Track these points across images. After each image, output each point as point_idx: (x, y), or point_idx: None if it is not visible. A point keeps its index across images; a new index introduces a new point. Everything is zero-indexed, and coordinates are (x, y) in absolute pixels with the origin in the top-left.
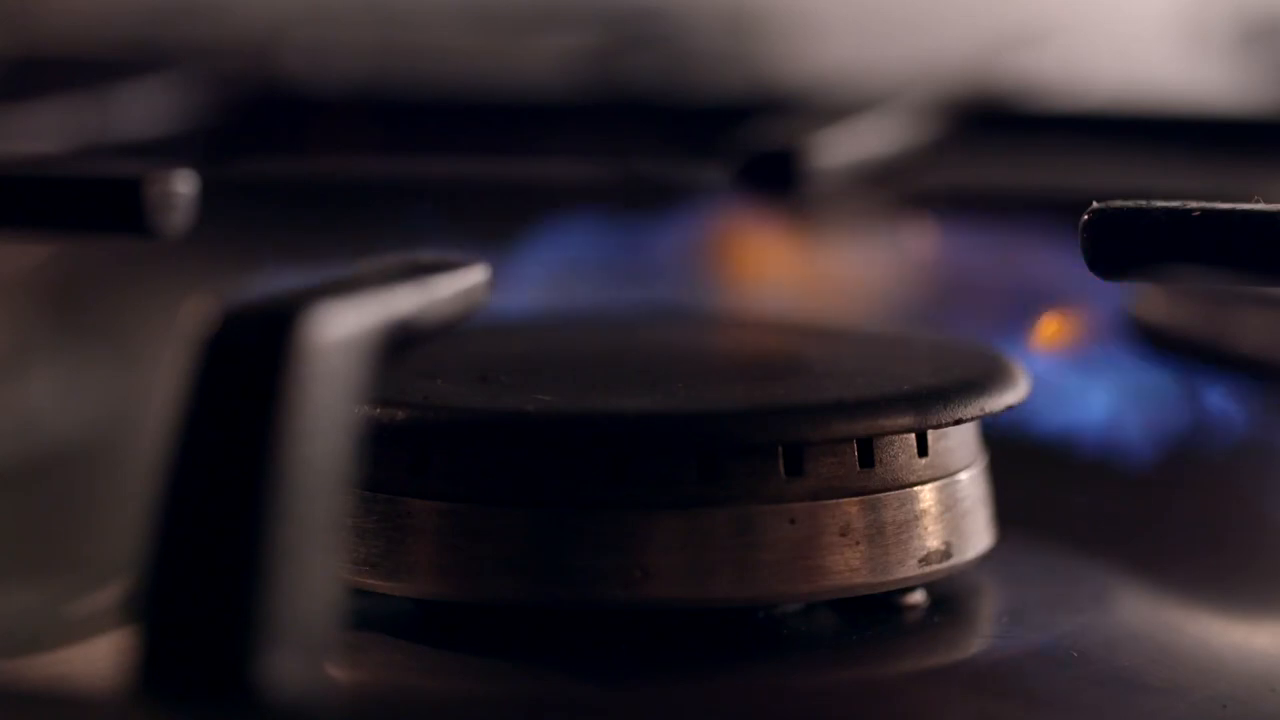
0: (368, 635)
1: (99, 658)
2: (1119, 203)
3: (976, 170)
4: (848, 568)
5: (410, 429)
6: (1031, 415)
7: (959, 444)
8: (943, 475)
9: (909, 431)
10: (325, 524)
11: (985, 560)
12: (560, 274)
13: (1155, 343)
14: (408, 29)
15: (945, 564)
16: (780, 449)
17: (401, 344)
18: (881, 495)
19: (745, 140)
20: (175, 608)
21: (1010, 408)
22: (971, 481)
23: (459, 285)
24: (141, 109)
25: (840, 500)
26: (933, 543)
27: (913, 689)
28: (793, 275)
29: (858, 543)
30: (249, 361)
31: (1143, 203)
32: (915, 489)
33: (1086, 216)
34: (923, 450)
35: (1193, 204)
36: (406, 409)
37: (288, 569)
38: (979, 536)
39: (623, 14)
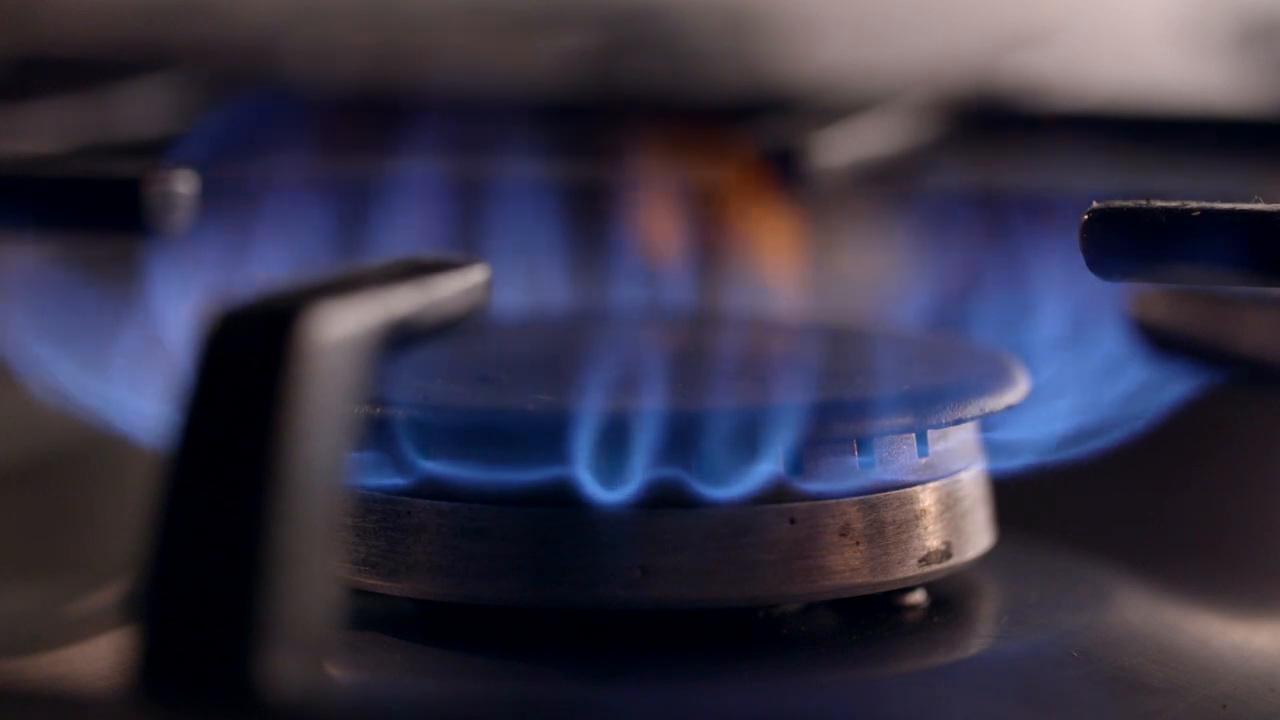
0: (368, 635)
1: (99, 658)
2: (1119, 203)
3: (976, 170)
4: (848, 568)
5: (410, 429)
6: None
7: (959, 444)
8: (943, 475)
9: (909, 431)
10: (325, 524)
11: (985, 560)
12: (557, 273)
13: (1155, 343)
14: (408, 29)
15: (945, 564)
16: (780, 448)
17: (401, 344)
18: (881, 495)
19: (745, 140)
20: (175, 608)
21: (1010, 408)
22: (971, 481)
23: (459, 285)
24: (141, 109)
25: (840, 500)
26: (933, 543)
27: (913, 689)
28: (793, 274)
29: (858, 543)
30: (249, 361)
31: (1143, 203)
32: (915, 489)
33: (1086, 216)
34: (923, 450)
35: (1193, 204)
36: (406, 409)
37: (288, 569)
38: (979, 536)
39: (623, 14)
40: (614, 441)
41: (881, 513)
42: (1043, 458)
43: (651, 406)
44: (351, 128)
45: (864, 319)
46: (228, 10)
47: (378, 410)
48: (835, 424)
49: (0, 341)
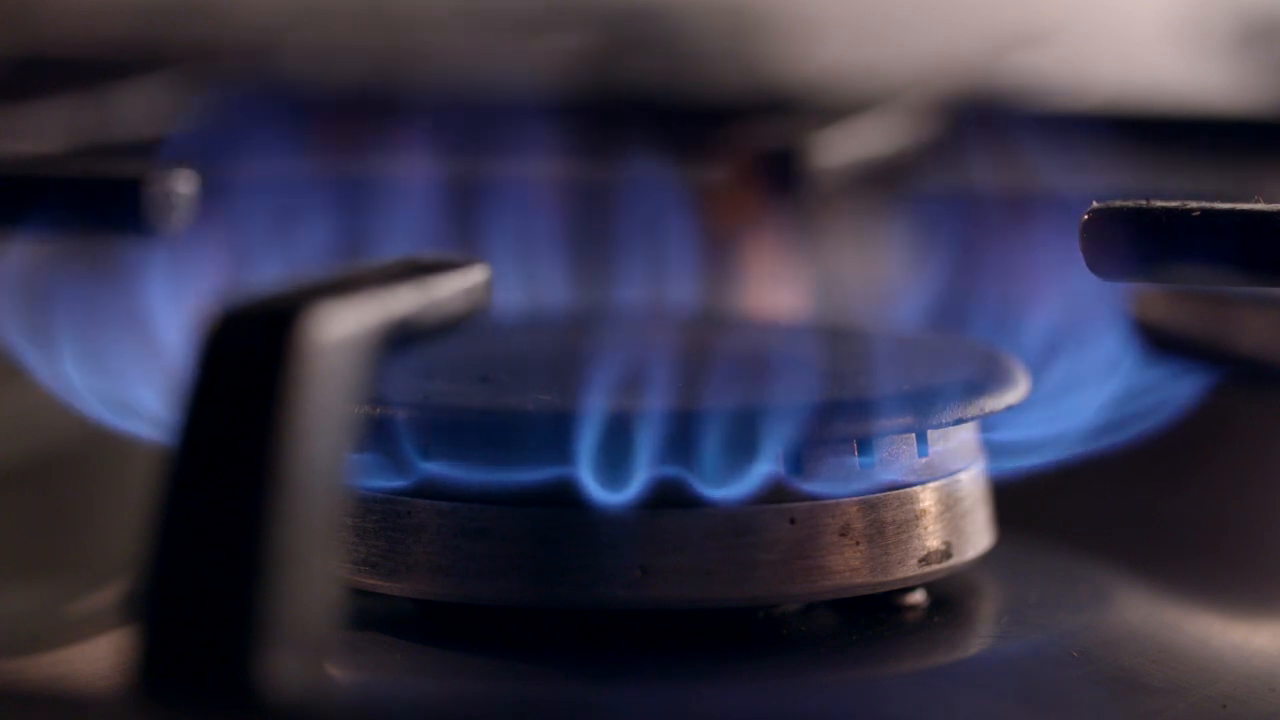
0: (368, 635)
1: (99, 658)
2: (1119, 203)
3: (976, 170)
4: (848, 568)
5: (410, 429)
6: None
7: (959, 444)
8: (943, 475)
9: (909, 431)
10: (325, 524)
11: (985, 560)
12: (557, 273)
13: (1155, 343)
14: (408, 29)
15: (945, 564)
16: (780, 449)
17: (401, 344)
18: (881, 495)
19: (745, 140)
20: (175, 608)
21: (1010, 408)
22: (971, 481)
23: (459, 285)
24: (141, 109)
25: (840, 500)
26: (933, 543)
27: (913, 689)
28: (793, 275)
29: (858, 543)
30: (249, 361)
31: (1143, 203)
32: (915, 489)
33: (1086, 216)
34: (923, 450)
35: (1193, 204)
36: (406, 409)
37: (288, 569)
38: (979, 536)
39: (623, 14)
40: (614, 441)
41: (881, 513)
42: (1044, 459)
43: (652, 406)
44: (351, 128)
45: (864, 319)
46: (228, 10)
47: (378, 410)
48: (835, 424)
49: (1, 340)
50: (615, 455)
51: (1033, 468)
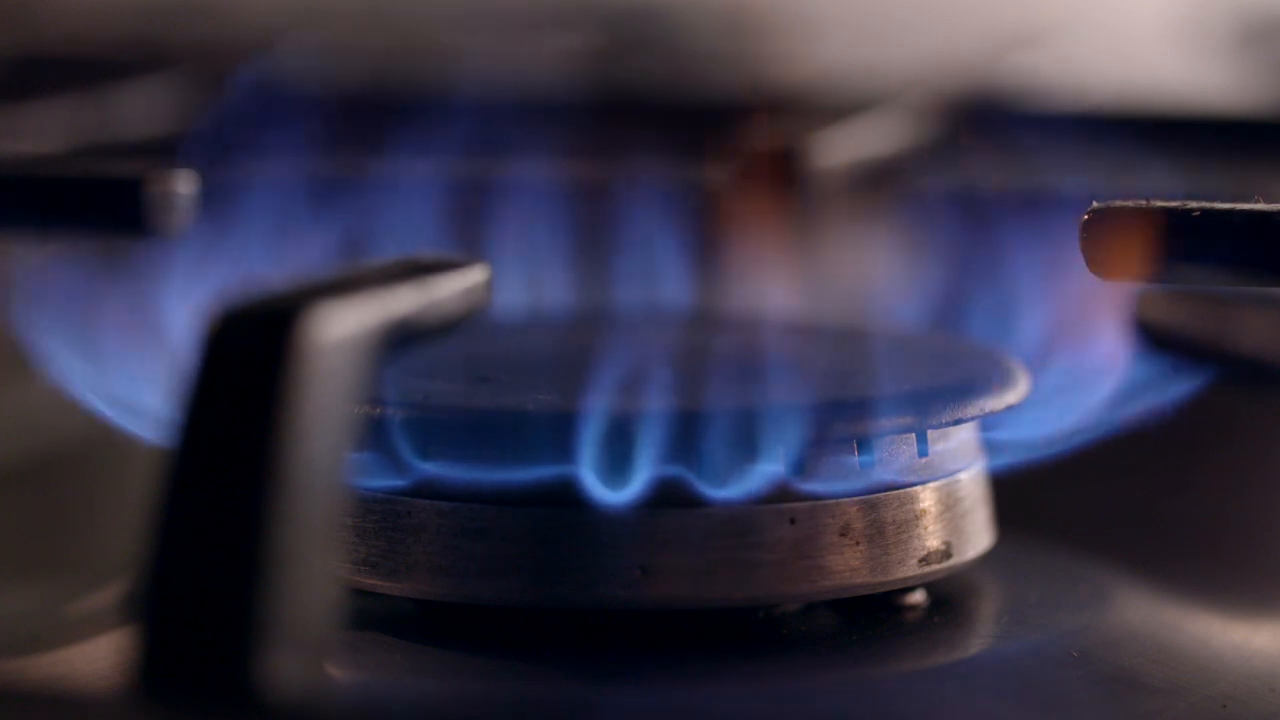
0: (368, 635)
1: (99, 658)
2: (1119, 203)
3: (976, 170)
4: (848, 568)
5: (410, 429)
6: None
7: (959, 444)
8: (943, 475)
9: (909, 431)
10: (325, 524)
11: (985, 560)
12: (557, 273)
13: (1155, 343)
14: (407, 29)
15: (945, 564)
16: (780, 449)
17: (401, 344)
18: (881, 495)
19: (745, 140)
20: (175, 608)
21: (1010, 408)
22: (971, 481)
23: (459, 285)
24: (141, 109)
25: (840, 500)
26: (933, 543)
27: (913, 689)
28: (792, 275)
29: (858, 543)
30: (249, 361)
31: (1143, 203)
32: (915, 489)
33: (1086, 216)
34: (923, 450)
35: (1193, 204)
36: (406, 409)
37: (288, 569)
38: (979, 536)
39: (623, 14)
40: (614, 442)
41: (881, 513)
42: (1042, 454)
43: (652, 407)
44: (351, 128)
45: (864, 319)
46: (228, 10)
47: (378, 410)
48: (836, 424)
49: (3, 339)
50: (616, 455)
51: (1032, 462)
